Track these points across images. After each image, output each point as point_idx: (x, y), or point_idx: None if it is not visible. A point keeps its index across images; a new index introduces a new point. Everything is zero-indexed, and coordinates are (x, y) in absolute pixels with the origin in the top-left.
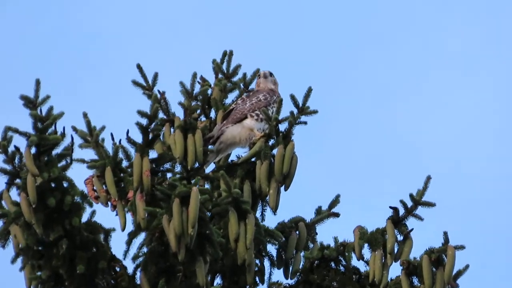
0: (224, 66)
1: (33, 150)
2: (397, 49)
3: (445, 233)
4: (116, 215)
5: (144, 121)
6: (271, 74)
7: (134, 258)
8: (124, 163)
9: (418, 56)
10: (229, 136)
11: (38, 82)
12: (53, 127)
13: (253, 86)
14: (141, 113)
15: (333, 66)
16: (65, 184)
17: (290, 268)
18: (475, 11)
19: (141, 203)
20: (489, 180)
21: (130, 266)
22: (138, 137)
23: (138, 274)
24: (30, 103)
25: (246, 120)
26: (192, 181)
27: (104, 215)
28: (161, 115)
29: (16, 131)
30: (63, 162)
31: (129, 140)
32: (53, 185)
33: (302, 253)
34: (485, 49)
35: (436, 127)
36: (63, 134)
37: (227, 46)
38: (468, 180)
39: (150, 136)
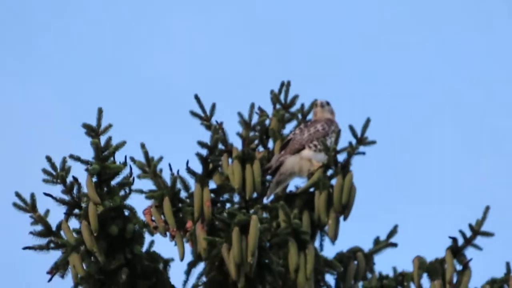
0: (282, 97)
1: (94, 179)
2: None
3: (507, 264)
4: (175, 245)
5: (204, 152)
6: (328, 104)
7: None
8: (182, 194)
9: None
10: (288, 167)
11: (100, 111)
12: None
13: (310, 116)
14: (201, 144)
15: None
16: (126, 213)
17: None
18: None
19: (202, 233)
20: None
21: None
22: (197, 168)
23: None
24: (93, 131)
25: (304, 151)
26: (251, 211)
27: (162, 245)
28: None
29: (78, 159)
30: (122, 192)
31: (189, 170)
32: (113, 214)
33: (360, 283)
34: None
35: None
36: (124, 163)
37: (285, 76)
38: None
39: (210, 166)
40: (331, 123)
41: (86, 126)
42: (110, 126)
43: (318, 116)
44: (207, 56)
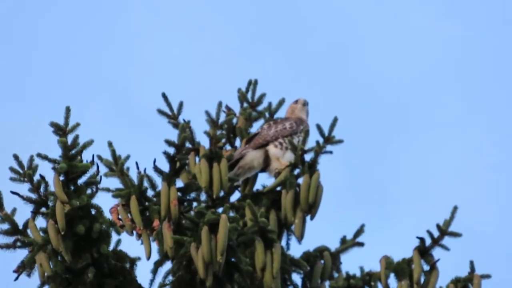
0: (249, 95)
1: (61, 177)
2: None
3: (471, 262)
4: (141, 244)
5: (171, 150)
6: (296, 102)
7: (160, 287)
8: (149, 192)
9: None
10: (247, 161)
11: (68, 109)
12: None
13: (278, 114)
14: (169, 142)
15: (358, 90)
16: (92, 212)
17: None
18: None
19: (168, 232)
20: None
21: None
22: (164, 166)
23: None
24: (60, 130)
25: (271, 149)
26: (218, 210)
27: (129, 244)
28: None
29: (45, 158)
30: (89, 190)
31: (156, 169)
32: (80, 213)
33: (327, 283)
34: None
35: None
36: (92, 162)
37: (252, 75)
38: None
39: (177, 165)
40: (300, 122)
41: (53, 124)
42: (77, 124)
43: (295, 113)
44: (180, 49)
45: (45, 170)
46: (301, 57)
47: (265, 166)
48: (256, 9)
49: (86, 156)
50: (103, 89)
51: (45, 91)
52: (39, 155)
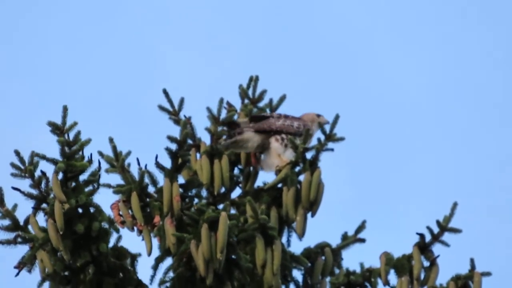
0: (250, 92)
1: (60, 176)
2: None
3: (472, 260)
4: (142, 240)
5: (173, 146)
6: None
7: (160, 283)
8: (150, 188)
9: None
10: (244, 138)
11: (65, 108)
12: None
13: (279, 111)
14: (171, 139)
15: (362, 88)
16: (91, 210)
17: None
18: None
19: (171, 228)
20: None
21: None
22: (166, 162)
23: None
24: (58, 129)
25: (273, 143)
26: (219, 207)
27: (130, 240)
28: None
29: (43, 157)
30: (90, 187)
31: (158, 165)
32: (80, 211)
33: (328, 279)
34: None
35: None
36: (90, 161)
37: (253, 71)
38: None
39: (179, 161)
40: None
41: (51, 124)
42: (75, 124)
43: (308, 121)
44: (181, 45)
45: (46, 166)
46: (302, 54)
47: (258, 152)
48: (260, 7)
49: (89, 154)
50: (105, 88)
51: (49, 92)
52: (37, 154)
